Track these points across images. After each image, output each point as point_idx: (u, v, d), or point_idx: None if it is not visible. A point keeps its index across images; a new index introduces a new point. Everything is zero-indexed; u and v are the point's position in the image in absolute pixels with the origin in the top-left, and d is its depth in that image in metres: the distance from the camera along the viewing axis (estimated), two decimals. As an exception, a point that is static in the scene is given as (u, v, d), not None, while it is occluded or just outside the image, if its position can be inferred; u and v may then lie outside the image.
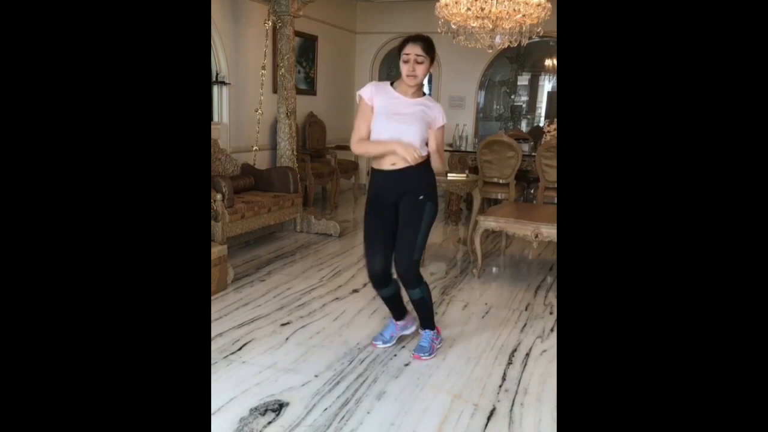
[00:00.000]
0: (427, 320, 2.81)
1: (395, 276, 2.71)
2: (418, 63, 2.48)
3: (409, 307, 2.89)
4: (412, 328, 2.97)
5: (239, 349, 2.77)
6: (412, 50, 2.47)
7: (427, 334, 2.82)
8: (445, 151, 7.06)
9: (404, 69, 2.50)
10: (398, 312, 2.88)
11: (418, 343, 2.82)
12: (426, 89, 10.20)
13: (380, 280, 2.69)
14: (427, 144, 2.59)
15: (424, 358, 2.75)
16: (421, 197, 2.59)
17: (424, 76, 2.53)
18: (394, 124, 2.51)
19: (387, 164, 2.56)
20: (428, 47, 2.50)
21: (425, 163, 2.58)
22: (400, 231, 2.62)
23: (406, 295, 2.73)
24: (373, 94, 2.56)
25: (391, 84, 2.60)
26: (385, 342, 2.89)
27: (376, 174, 2.63)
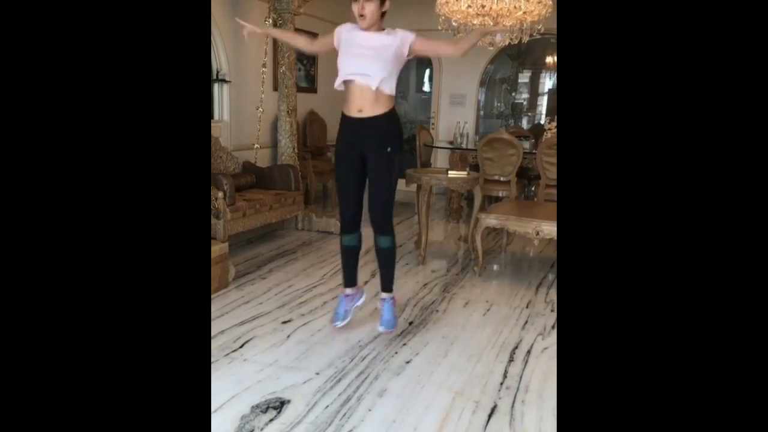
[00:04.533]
0: (389, 278, 2.95)
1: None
2: (367, 0, 2.49)
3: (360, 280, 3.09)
4: (362, 299, 3.12)
5: (240, 346, 2.77)
6: None
7: (388, 303, 2.94)
8: (445, 148, 7.00)
9: (354, 9, 2.52)
10: (351, 275, 3.02)
11: (383, 317, 2.93)
12: (426, 86, 10.23)
13: (352, 224, 2.85)
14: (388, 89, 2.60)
15: (394, 331, 2.90)
16: (389, 149, 2.65)
17: (376, 17, 2.53)
18: (355, 60, 2.55)
19: (354, 111, 2.61)
20: None
21: (391, 111, 2.64)
22: (372, 181, 2.72)
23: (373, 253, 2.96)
24: (341, 35, 2.63)
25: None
26: (342, 319, 3.00)
27: (344, 121, 2.69)
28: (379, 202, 2.73)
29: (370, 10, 2.49)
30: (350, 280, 3.05)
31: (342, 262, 3.05)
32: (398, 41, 2.57)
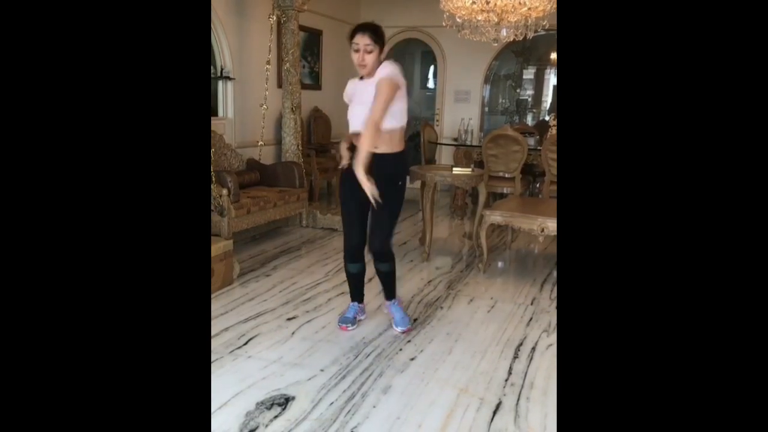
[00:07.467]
0: (391, 291, 3.02)
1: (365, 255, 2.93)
2: (368, 52, 2.55)
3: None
4: (364, 316, 3.15)
5: (245, 343, 2.77)
6: (361, 40, 2.54)
7: (395, 305, 3.03)
8: (450, 145, 6.97)
9: (354, 58, 2.59)
10: (359, 293, 3.08)
11: (395, 318, 3.01)
12: (431, 83, 10.20)
13: (355, 254, 2.88)
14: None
15: (410, 327, 3.00)
16: (400, 183, 2.73)
17: (375, 64, 2.59)
18: (358, 109, 2.61)
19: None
20: (376, 36, 2.56)
21: (399, 151, 2.70)
22: (374, 212, 2.70)
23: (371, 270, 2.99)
24: (348, 92, 2.76)
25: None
26: (352, 324, 3.01)
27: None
28: (379, 233, 2.75)
29: (371, 60, 2.57)
30: (359, 296, 3.10)
31: (348, 284, 3.08)
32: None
